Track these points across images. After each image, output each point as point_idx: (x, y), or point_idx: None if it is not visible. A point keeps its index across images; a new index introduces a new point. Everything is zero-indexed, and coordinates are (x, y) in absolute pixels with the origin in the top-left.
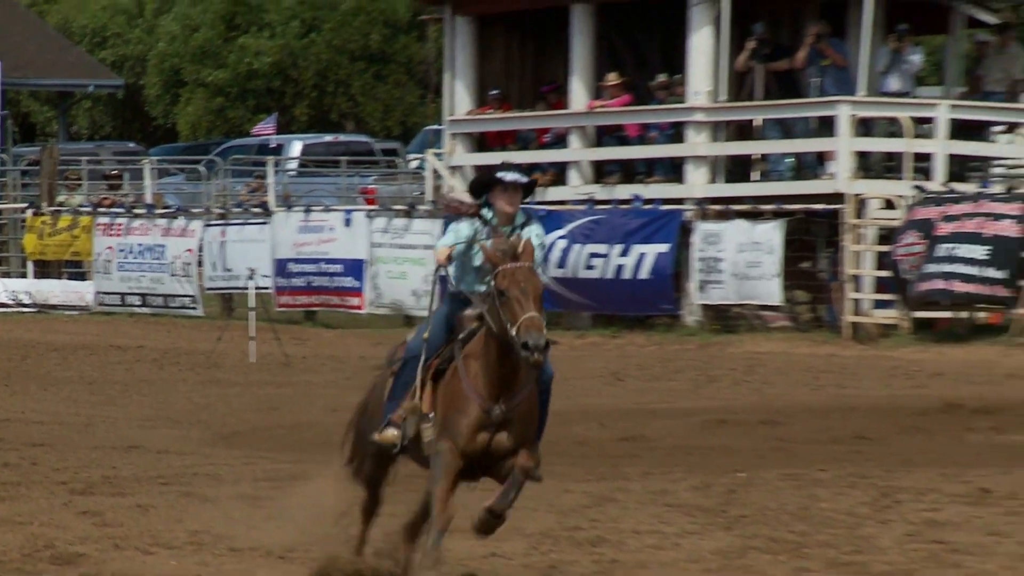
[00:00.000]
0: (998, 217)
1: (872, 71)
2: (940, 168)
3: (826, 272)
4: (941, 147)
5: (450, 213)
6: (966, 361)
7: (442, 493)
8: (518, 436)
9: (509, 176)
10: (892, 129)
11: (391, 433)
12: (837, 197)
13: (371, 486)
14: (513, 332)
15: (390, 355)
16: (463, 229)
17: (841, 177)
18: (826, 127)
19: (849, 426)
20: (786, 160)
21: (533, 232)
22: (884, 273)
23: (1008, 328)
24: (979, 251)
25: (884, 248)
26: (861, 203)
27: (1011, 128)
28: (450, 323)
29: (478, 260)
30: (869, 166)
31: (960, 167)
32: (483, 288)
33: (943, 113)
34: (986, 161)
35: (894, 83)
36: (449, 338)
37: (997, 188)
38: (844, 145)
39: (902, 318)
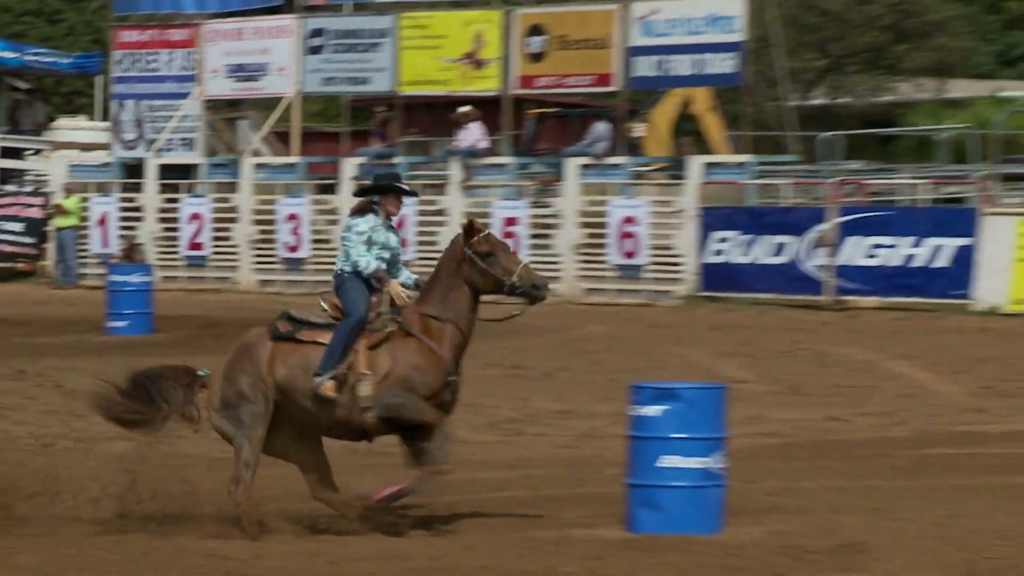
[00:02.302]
0: (29, 206)
1: None
2: None
3: None
4: None
5: (359, 211)
6: (8, 293)
7: (431, 408)
8: (449, 409)
9: (405, 187)
10: None
11: (330, 384)
12: None
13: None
14: (515, 279)
15: (271, 328)
16: (364, 225)
17: None
18: None
19: None
20: None
21: (392, 228)
22: None
23: (35, 274)
24: (18, 226)
25: None
26: None
27: (37, 152)
28: (367, 296)
29: (376, 238)
30: None
31: (6, 175)
32: (373, 260)
33: None
34: (23, 172)
35: None
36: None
37: (29, 188)
38: None
39: None
